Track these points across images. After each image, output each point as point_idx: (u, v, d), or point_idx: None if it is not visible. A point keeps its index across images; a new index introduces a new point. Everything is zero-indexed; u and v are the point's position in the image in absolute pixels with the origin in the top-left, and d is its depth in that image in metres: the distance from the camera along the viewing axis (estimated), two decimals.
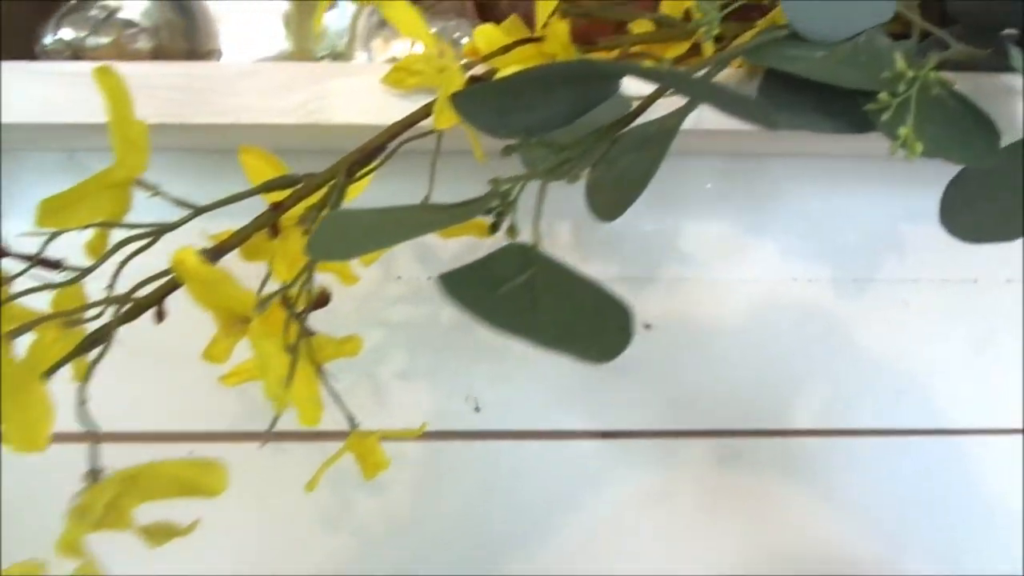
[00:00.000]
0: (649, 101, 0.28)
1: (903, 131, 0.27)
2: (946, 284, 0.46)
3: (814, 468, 0.46)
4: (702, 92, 0.25)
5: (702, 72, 0.29)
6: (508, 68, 0.29)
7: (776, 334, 0.46)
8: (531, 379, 0.45)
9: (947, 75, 0.29)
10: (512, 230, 0.26)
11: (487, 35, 0.29)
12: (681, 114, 0.28)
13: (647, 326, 0.46)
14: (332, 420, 0.33)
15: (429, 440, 0.45)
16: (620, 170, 0.27)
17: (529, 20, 0.30)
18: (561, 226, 0.45)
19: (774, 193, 0.45)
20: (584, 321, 0.22)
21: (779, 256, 0.46)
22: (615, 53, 0.32)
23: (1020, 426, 0.46)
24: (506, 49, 0.28)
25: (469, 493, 0.45)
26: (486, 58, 0.29)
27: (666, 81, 0.22)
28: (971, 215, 0.30)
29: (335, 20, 0.47)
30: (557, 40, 0.28)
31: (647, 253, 0.45)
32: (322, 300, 0.30)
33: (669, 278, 0.46)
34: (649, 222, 0.45)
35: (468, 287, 0.22)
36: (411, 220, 0.24)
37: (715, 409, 0.46)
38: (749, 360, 0.46)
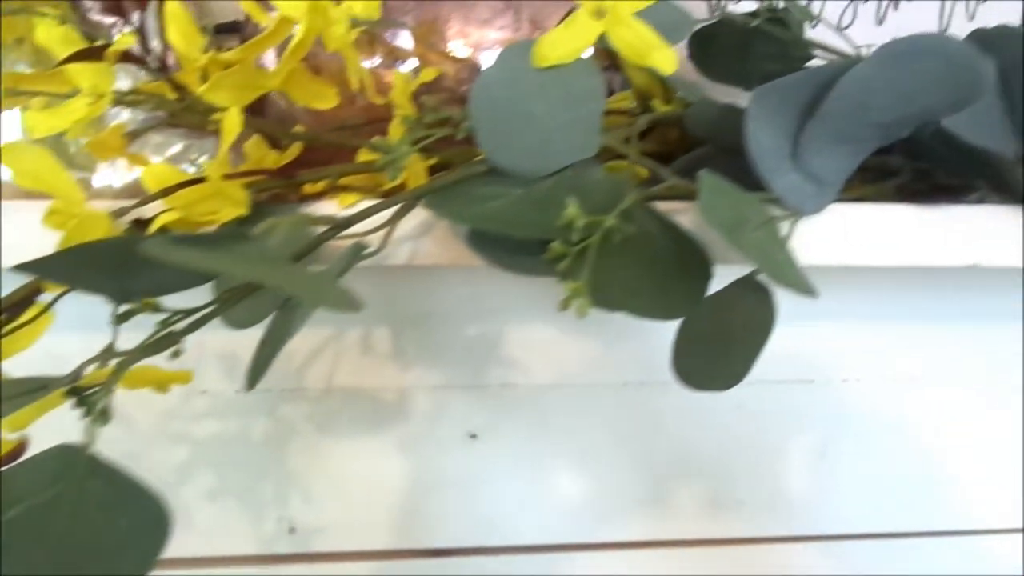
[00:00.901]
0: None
1: (571, 286, 0.24)
2: (783, 385, 0.43)
3: None
4: (272, 278, 0.22)
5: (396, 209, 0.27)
6: (193, 207, 0.27)
7: (599, 444, 0.43)
8: (348, 498, 0.43)
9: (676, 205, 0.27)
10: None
11: (155, 173, 0.27)
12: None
13: (472, 436, 0.44)
14: None
15: (240, 565, 0.43)
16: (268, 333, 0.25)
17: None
18: (381, 332, 0.44)
19: None
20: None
21: (603, 359, 0.44)
22: (321, 185, 0.30)
23: (856, 531, 0.43)
24: (174, 189, 0.27)
25: None
26: (155, 197, 0.27)
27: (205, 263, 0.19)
28: (692, 359, 0.27)
29: None
30: (217, 180, 0.26)
31: (471, 359, 0.43)
32: (17, 452, 0.29)
33: (495, 384, 0.44)
34: (473, 327, 0.43)
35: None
36: None
37: (542, 523, 0.43)
38: (575, 470, 0.43)
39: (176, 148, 0.37)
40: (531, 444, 0.43)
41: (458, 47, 0.35)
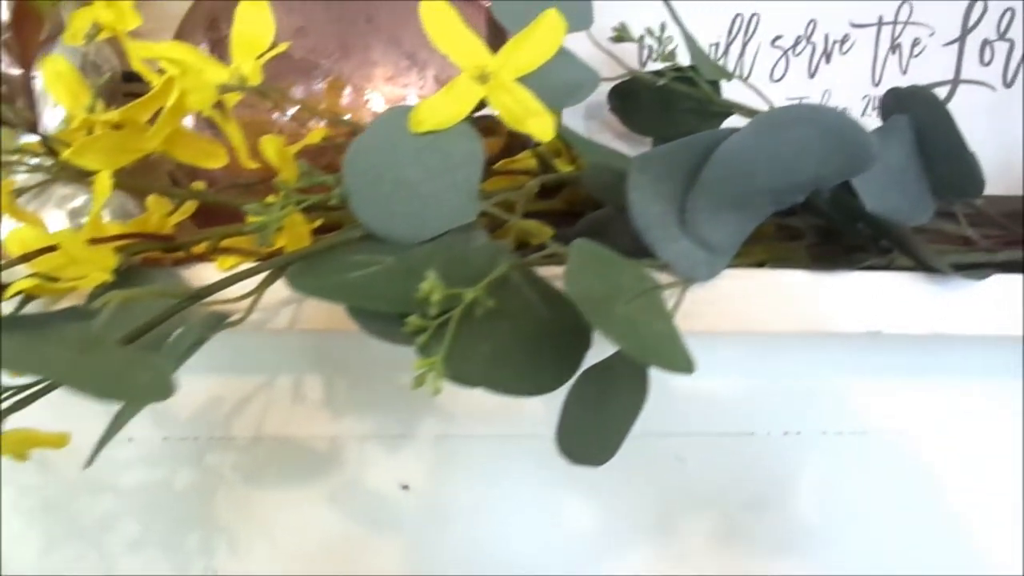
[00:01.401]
0: None
1: (423, 363, 0.23)
2: (723, 438, 0.42)
3: None
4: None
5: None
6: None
7: (529, 496, 0.42)
8: (276, 548, 0.42)
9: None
10: None
11: (19, 237, 0.26)
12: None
13: (404, 487, 0.43)
14: None
15: None
16: None
17: None
18: (313, 380, 0.43)
19: None
20: None
21: (545, 410, 0.43)
22: (203, 247, 0.29)
23: None
24: (36, 254, 0.26)
25: None
26: (16, 262, 0.26)
27: None
28: (571, 431, 0.27)
29: None
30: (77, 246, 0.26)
31: (403, 409, 0.43)
32: None
33: (428, 435, 0.43)
34: (405, 376, 0.42)
35: None
36: None
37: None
38: (512, 522, 0.42)
39: (79, 201, 0.36)
40: (463, 496, 0.43)
41: (360, 104, 0.35)
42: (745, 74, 0.48)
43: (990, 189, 0.48)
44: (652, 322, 0.26)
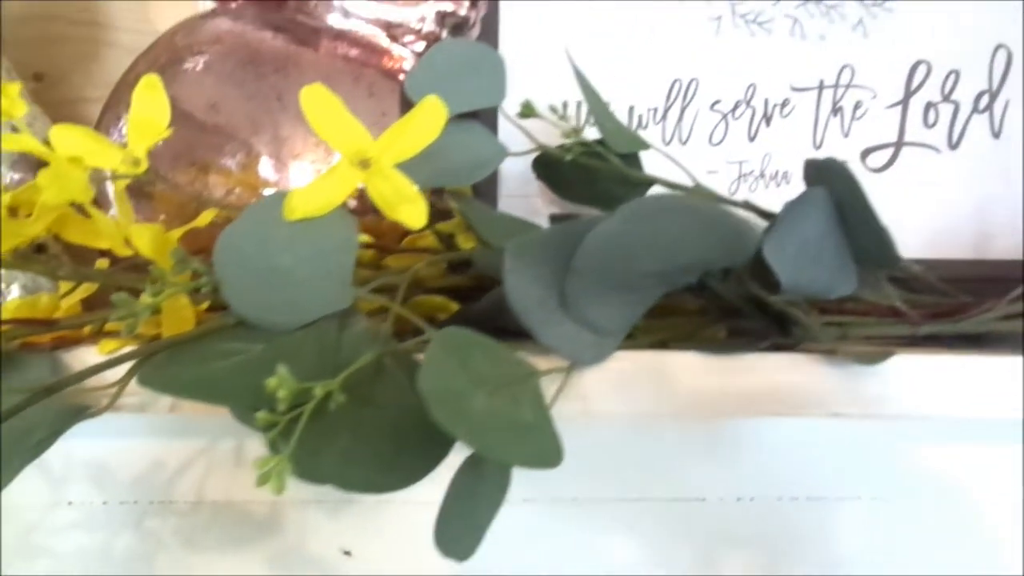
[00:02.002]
0: None
1: (267, 462, 0.23)
2: (675, 503, 0.41)
3: None
4: None
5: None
6: None
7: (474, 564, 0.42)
8: None
9: None
10: None
11: None
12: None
13: (346, 553, 0.43)
14: None
15: None
16: None
17: None
18: (254, 445, 0.43)
19: None
20: None
21: None
22: (87, 330, 0.30)
23: None
24: None
25: None
26: None
27: None
28: (443, 521, 0.26)
29: None
30: None
31: None
32: None
33: (369, 500, 0.43)
34: None
35: None
36: None
37: None
38: None
39: None
40: (406, 562, 0.42)
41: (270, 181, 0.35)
42: (684, 139, 0.48)
43: (935, 252, 0.48)
44: (518, 413, 0.26)
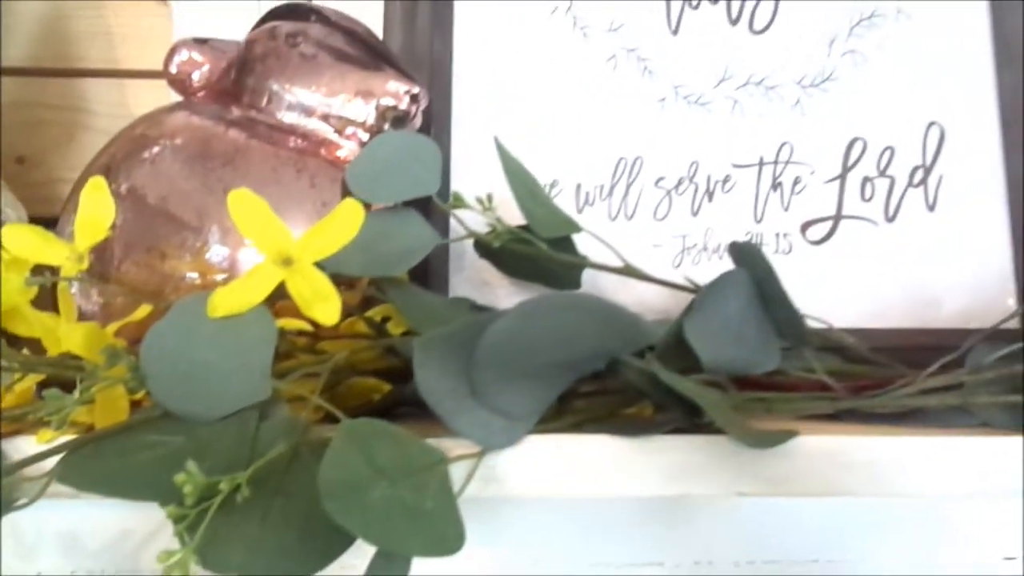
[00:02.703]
0: None
1: (166, 555, 0.25)
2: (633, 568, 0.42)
3: None
4: None
5: None
6: None
7: None
8: None
9: None
10: None
11: None
12: None
13: None
14: None
15: None
16: None
17: None
18: None
19: None
20: None
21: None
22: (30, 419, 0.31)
23: None
24: None
25: None
26: None
27: None
28: None
29: None
30: None
31: None
32: None
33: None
34: None
35: None
36: None
37: None
38: None
39: None
40: None
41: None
42: (629, 214, 0.50)
43: (873, 322, 0.49)
44: (420, 501, 0.27)
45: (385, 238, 0.36)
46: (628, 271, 0.41)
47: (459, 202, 0.37)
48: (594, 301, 0.30)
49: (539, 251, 0.38)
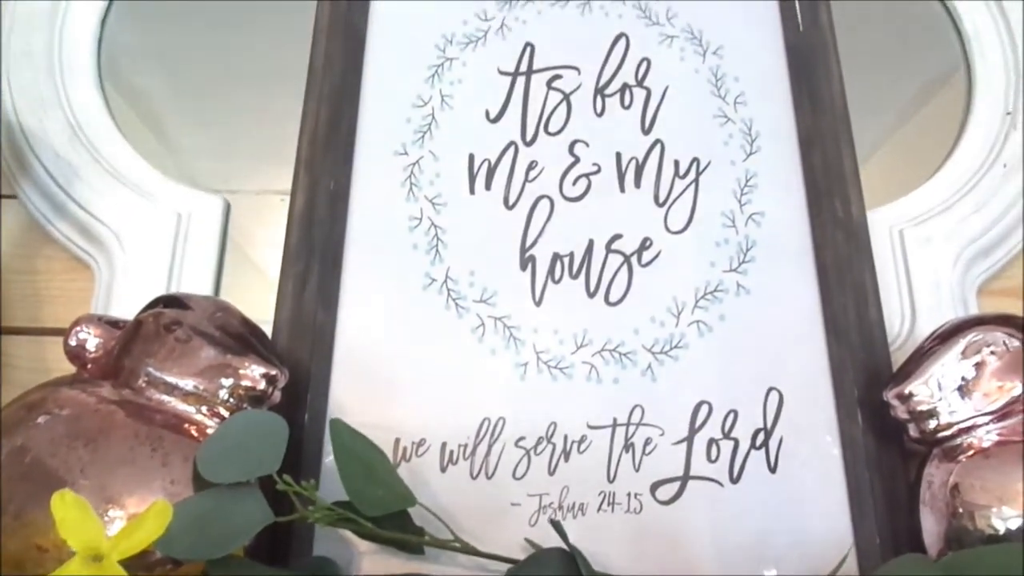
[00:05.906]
0: None
1: None
2: None
3: None
4: None
5: None
6: None
7: None
8: None
9: None
10: None
11: None
12: None
13: None
14: None
15: None
16: None
17: None
18: None
19: None
20: None
21: None
22: None
23: None
24: None
25: None
26: None
27: None
28: None
29: None
30: None
31: None
32: None
33: None
34: None
35: None
36: None
37: None
38: None
39: None
40: None
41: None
42: (490, 473, 0.54)
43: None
44: None
45: (217, 517, 0.40)
46: (461, 547, 0.44)
47: (289, 485, 0.41)
48: None
49: (363, 527, 0.41)
